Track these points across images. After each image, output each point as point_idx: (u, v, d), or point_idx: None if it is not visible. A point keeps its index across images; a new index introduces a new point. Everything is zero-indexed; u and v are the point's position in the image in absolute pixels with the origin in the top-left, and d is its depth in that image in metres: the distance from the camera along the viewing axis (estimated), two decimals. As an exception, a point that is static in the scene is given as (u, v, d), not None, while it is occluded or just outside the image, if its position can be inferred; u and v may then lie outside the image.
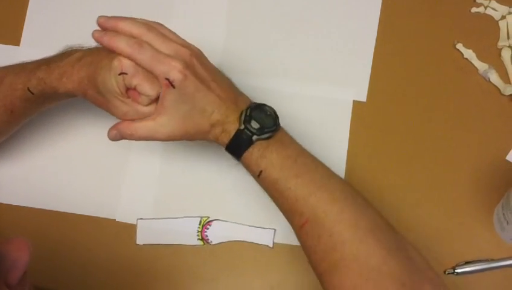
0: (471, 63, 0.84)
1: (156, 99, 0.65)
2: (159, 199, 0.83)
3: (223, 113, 0.65)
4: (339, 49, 0.87)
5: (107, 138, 0.84)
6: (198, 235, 0.81)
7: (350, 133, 0.83)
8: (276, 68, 0.86)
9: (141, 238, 0.82)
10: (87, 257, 0.82)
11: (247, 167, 0.67)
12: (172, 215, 0.82)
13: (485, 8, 0.86)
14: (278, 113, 0.67)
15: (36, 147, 0.86)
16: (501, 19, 0.85)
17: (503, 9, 0.85)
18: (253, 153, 0.65)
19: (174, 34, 0.68)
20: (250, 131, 0.64)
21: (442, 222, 0.79)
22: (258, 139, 0.64)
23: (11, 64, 0.75)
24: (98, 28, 0.70)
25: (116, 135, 0.67)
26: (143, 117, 0.66)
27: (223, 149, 0.82)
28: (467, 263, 0.77)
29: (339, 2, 0.88)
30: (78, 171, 0.85)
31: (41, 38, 0.90)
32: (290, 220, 0.66)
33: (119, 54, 0.64)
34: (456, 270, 0.76)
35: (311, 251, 0.63)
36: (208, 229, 0.81)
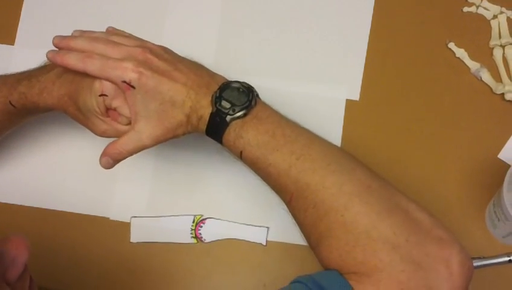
0: (463, 62, 0.84)
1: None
2: (153, 197, 0.83)
3: (193, 99, 0.63)
4: (332, 48, 0.87)
5: (101, 138, 0.85)
6: (192, 234, 0.81)
7: (343, 132, 0.83)
8: (269, 67, 0.86)
9: (135, 237, 0.82)
10: (81, 255, 0.82)
11: (229, 150, 0.65)
12: (166, 213, 0.82)
13: (477, 7, 0.86)
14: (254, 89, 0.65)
15: (30, 145, 0.86)
16: (493, 19, 0.86)
17: (494, 8, 0.86)
18: (230, 134, 0.63)
19: (130, 37, 0.68)
20: (222, 112, 0.62)
21: (434, 220, 0.79)
22: (232, 119, 0.62)
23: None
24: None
25: (108, 161, 0.67)
26: (122, 136, 0.66)
27: (217, 147, 0.83)
28: (459, 260, 0.77)
29: (331, 2, 0.88)
30: (72, 169, 0.85)
31: (35, 37, 0.90)
32: (280, 196, 0.64)
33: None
34: (448, 268, 0.77)
35: (301, 226, 0.61)
36: (201, 227, 0.81)
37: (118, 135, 0.66)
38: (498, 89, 0.82)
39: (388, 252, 0.53)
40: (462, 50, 0.85)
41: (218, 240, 0.81)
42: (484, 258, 0.77)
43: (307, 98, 0.85)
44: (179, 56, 0.67)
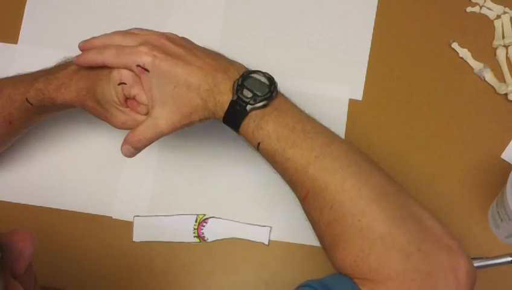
0: (466, 62, 0.84)
1: None
2: (156, 197, 0.83)
3: (210, 83, 0.62)
4: (335, 48, 0.87)
5: (104, 136, 0.85)
6: (194, 233, 0.81)
7: (346, 131, 0.83)
8: (272, 66, 0.85)
9: (138, 236, 0.82)
10: (84, 254, 0.82)
11: (246, 139, 0.64)
12: (169, 212, 0.82)
13: (481, 7, 0.86)
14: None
15: (33, 144, 0.86)
16: (496, 19, 0.86)
17: (498, 8, 0.86)
18: (250, 124, 0.62)
19: (148, 30, 0.68)
20: (243, 101, 0.62)
21: (437, 220, 0.79)
22: (252, 109, 0.62)
23: (7, 76, 0.75)
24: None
25: (129, 149, 0.67)
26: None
27: (220, 146, 0.83)
28: (462, 260, 0.77)
29: (335, 1, 0.88)
30: (75, 168, 0.85)
31: (39, 36, 0.90)
32: (294, 191, 0.63)
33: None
34: (450, 268, 0.77)
35: (315, 224, 0.61)
36: (204, 226, 0.81)
37: (138, 125, 0.66)
38: (501, 89, 0.82)
39: (401, 261, 0.54)
40: (466, 50, 0.85)
41: (221, 239, 0.81)
42: (487, 258, 0.77)
43: (309, 98, 0.84)
44: (196, 44, 0.67)
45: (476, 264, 0.76)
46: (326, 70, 0.86)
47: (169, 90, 0.63)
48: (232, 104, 0.62)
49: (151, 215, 0.82)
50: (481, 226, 0.79)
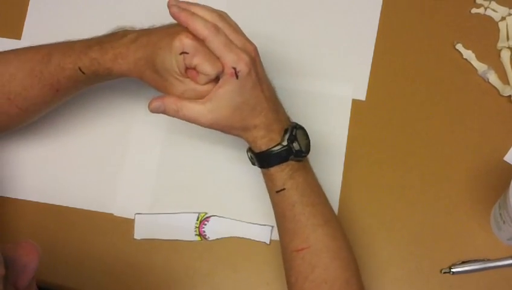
0: (470, 63, 0.84)
1: (214, 79, 0.65)
2: (157, 194, 0.83)
3: (269, 118, 0.67)
4: (339, 48, 0.87)
5: (105, 134, 0.85)
6: (195, 231, 0.81)
7: (349, 132, 0.83)
8: (275, 66, 0.86)
9: (139, 233, 0.82)
10: (85, 251, 0.82)
11: (269, 179, 0.69)
12: (170, 210, 0.82)
13: (485, 9, 0.86)
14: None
15: (34, 141, 0.86)
16: (501, 20, 0.85)
17: (503, 10, 0.86)
18: (284, 170, 0.67)
19: (239, 28, 0.69)
20: (291, 150, 0.67)
21: (439, 221, 0.79)
22: (291, 159, 0.67)
23: (53, 42, 0.74)
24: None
25: (160, 107, 0.67)
26: (200, 96, 0.66)
27: (222, 145, 0.83)
28: (463, 262, 0.77)
29: (339, 1, 0.88)
30: (76, 165, 0.85)
31: (42, 32, 0.90)
32: (288, 240, 0.69)
33: (185, 33, 0.64)
34: (452, 270, 0.77)
35: (301, 276, 0.67)
36: (205, 225, 0.81)
37: (197, 95, 0.66)
38: (505, 91, 0.82)
39: None
40: (470, 51, 0.84)
41: (222, 238, 0.81)
42: (489, 260, 0.77)
43: (313, 97, 0.85)
44: None
45: (478, 266, 0.77)
46: (329, 70, 0.86)
47: (237, 101, 0.65)
48: (280, 147, 0.67)
49: (153, 213, 0.82)
50: (483, 228, 0.78)
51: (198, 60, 0.64)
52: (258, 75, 0.66)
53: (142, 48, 0.66)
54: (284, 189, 0.68)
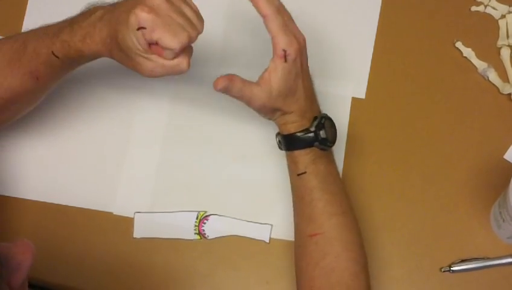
0: (470, 61, 0.84)
1: (181, 52, 0.61)
2: (157, 193, 0.83)
3: (304, 106, 0.68)
4: (338, 46, 0.86)
5: (105, 133, 0.85)
6: (195, 230, 0.81)
7: (348, 130, 0.83)
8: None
9: (138, 232, 0.82)
10: (84, 250, 0.82)
11: (292, 162, 0.70)
12: (170, 209, 0.82)
13: (485, 7, 0.86)
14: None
15: (34, 140, 0.86)
16: (501, 18, 0.85)
17: (503, 8, 0.85)
18: (308, 154, 0.68)
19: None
20: (317, 137, 0.68)
21: (438, 219, 0.79)
22: (316, 146, 0.68)
23: (31, 29, 0.72)
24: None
25: (226, 87, 0.64)
26: (171, 72, 0.63)
27: (222, 143, 0.83)
28: (463, 261, 0.77)
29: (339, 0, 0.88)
30: (75, 164, 0.85)
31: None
32: (303, 225, 0.70)
33: (140, 7, 0.59)
34: (451, 268, 0.77)
35: (312, 262, 0.68)
36: (205, 223, 0.81)
37: (168, 71, 0.62)
38: (505, 89, 0.82)
39: None
40: (470, 49, 0.84)
41: (222, 236, 0.81)
42: (489, 259, 0.77)
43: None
44: None
45: (477, 265, 0.77)
46: (329, 69, 0.86)
47: (286, 86, 0.66)
48: (307, 132, 0.68)
49: (152, 212, 0.82)
50: (483, 226, 0.78)
51: (159, 34, 0.59)
52: (302, 64, 0.67)
53: (107, 25, 0.63)
54: (305, 172, 0.68)
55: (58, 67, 0.70)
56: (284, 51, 0.64)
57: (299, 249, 0.70)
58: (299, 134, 0.68)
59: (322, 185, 0.69)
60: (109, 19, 0.63)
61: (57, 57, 0.67)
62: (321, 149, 0.69)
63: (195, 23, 0.63)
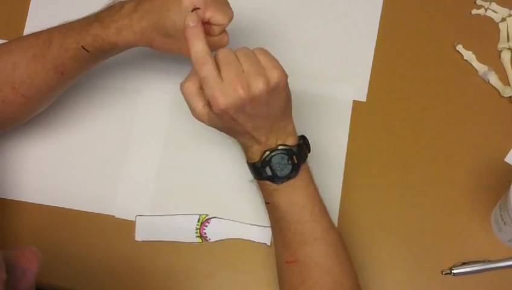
0: (471, 64, 0.84)
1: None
2: (158, 196, 0.83)
3: (250, 142, 0.67)
4: (339, 49, 0.87)
5: (106, 136, 0.85)
6: (196, 233, 0.81)
7: (349, 133, 0.83)
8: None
9: (140, 235, 0.82)
10: (85, 253, 0.82)
11: (258, 188, 0.70)
12: (171, 212, 0.82)
13: (486, 10, 0.86)
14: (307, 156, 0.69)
15: (35, 143, 0.86)
16: (501, 21, 0.85)
17: (503, 11, 0.86)
18: (266, 186, 0.68)
19: None
20: (264, 173, 0.67)
21: (439, 222, 0.79)
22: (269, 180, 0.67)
23: (51, 27, 0.73)
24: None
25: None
26: (217, 47, 0.66)
27: (223, 147, 0.83)
28: (464, 263, 0.77)
29: (340, 1, 0.88)
30: (77, 167, 0.85)
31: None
32: (279, 251, 0.69)
33: None
34: (453, 271, 0.77)
35: (293, 287, 0.67)
36: (206, 226, 0.81)
37: (212, 47, 0.65)
38: (505, 92, 0.82)
39: None
40: (470, 52, 0.84)
41: (223, 239, 0.81)
42: (490, 261, 0.77)
43: (313, 99, 0.84)
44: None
45: (479, 267, 0.77)
46: (330, 71, 0.86)
47: (221, 125, 0.66)
48: (254, 165, 0.67)
49: (154, 215, 0.82)
50: (484, 229, 0.78)
51: (211, 13, 0.65)
52: (237, 119, 0.65)
53: (147, 15, 0.67)
54: (268, 203, 0.69)
55: (86, 62, 0.72)
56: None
57: (279, 274, 0.70)
58: (248, 166, 0.69)
59: (286, 216, 0.67)
60: (148, 9, 0.67)
61: (87, 51, 0.69)
62: (275, 183, 0.67)
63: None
